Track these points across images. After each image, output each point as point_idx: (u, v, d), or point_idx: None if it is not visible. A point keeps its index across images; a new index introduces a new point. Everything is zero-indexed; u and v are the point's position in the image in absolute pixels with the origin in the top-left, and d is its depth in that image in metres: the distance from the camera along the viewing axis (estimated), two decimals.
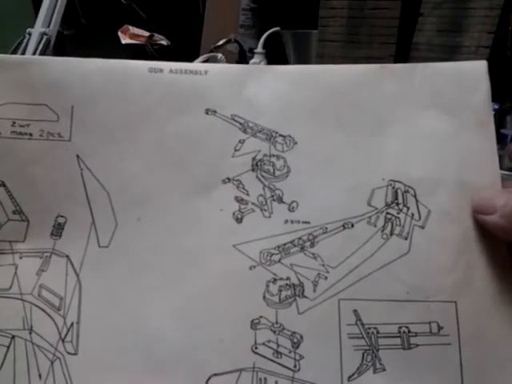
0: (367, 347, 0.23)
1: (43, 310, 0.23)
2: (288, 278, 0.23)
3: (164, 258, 0.23)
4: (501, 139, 0.54)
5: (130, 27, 0.67)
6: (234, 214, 0.24)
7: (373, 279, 0.23)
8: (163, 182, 0.24)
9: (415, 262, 0.23)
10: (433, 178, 0.24)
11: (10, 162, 0.24)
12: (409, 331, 0.23)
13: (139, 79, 0.24)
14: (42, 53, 0.51)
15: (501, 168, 0.34)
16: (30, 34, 0.52)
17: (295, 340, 0.23)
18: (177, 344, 0.22)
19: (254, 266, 0.23)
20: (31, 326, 0.23)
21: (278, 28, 0.77)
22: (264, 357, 0.22)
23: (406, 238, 0.24)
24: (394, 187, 0.24)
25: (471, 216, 0.24)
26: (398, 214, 0.24)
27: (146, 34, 0.67)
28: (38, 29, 0.52)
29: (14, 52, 0.53)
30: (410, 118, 0.25)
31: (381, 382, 0.22)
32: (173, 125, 0.24)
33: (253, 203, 0.24)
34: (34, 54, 0.51)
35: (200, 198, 0.24)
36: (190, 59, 0.74)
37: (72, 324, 0.23)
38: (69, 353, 0.23)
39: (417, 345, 0.23)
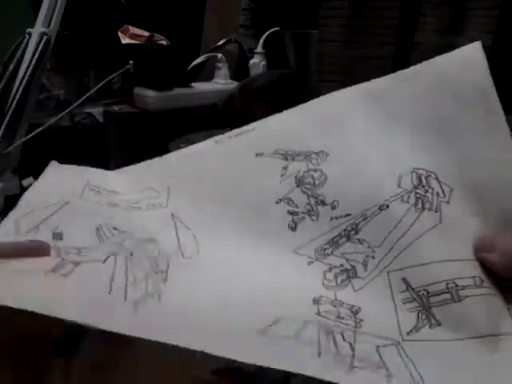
0: (420, 308, 0.25)
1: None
2: (341, 265, 0.27)
3: (239, 266, 0.28)
4: None
5: (130, 27, 0.67)
6: (288, 225, 0.29)
7: (414, 247, 0.26)
8: (231, 212, 0.30)
9: (449, 229, 0.26)
10: (450, 160, 0.27)
11: (127, 228, 0.30)
12: (456, 285, 0.25)
13: (209, 151, 0.32)
14: (42, 53, 0.51)
15: None
16: (29, 34, 0.52)
17: (354, 310, 0.25)
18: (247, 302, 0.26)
19: (312, 262, 0.27)
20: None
21: (277, 28, 0.77)
22: (327, 318, 0.25)
23: (437, 211, 0.26)
24: (417, 173, 0.27)
25: (489, 185, 0.26)
26: (425, 193, 0.27)
27: (146, 33, 0.67)
28: (38, 29, 0.52)
29: (14, 52, 0.53)
30: (422, 112, 0.28)
31: (438, 334, 0.24)
32: (233, 170, 0.31)
33: (302, 212, 0.29)
34: (34, 54, 0.51)
35: (261, 218, 0.29)
36: (190, 59, 0.74)
37: None
38: None
39: (466, 296, 0.24)
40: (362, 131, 0.29)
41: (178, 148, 0.52)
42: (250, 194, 0.30)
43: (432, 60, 0.29)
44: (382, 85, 0.30)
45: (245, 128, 0.32)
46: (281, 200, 0.29)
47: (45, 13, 0.52)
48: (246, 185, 0.30)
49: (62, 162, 0.37)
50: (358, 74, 0.65)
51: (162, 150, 0.52)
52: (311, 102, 0.31)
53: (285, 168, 0.30)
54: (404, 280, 0.25)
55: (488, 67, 0.27)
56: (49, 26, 0.52)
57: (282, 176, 0.30)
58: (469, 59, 0.28)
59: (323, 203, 0.28)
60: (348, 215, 0.28)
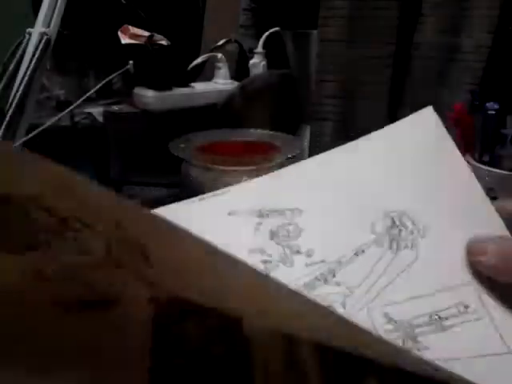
0: (405, 336, 0.25)
1: None
2: None
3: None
4: (501, 139, 0.54)
5: (130, 27, 0.67)
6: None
7: (393, 286, 0.27)
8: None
9: (426, 263, 0.27)
10: (418, 198, 0.30)
11: None
12: (439, 317, 0.25)
13: (186, 212, 0.32)
14: (42, 53, 0.51)
15: (501, 168, 0.36)
16: (30, 34, 0.52)
17: None
18: None
19: None
20: None
21: (277, 28, 0.77)
22: None
23: (413, 249, 0.28)
24: (389, 216, 0.29)
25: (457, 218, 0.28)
26: (399, 233, 0.29)
27: (146, 33, 0.67)
28: (38, 29, 0.52)
29: (14, 52, 0.53)
30: (386, 167, 0.31)
31: (428, 356, 0.24)
32: (202, 226, 0.30)
33: (276, 261, 0.29)
34: (34, 54, 0.51)
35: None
36: (190, 59, 0.74)
37: None
38: None
39: (451, 326, 0.25)
40: (332, 190, 0.32)
41: (178, 148, 0.53)
42: (222, 248, 0.31)
43: (392, 124, 0.33)
44: (345, 150, 0.33)
45: (218, 191, 0.33)
46: (254, 251, 0.29)
47: (45, 13, 0.52)
48: (216, 239, 0.31)
49: (61, 162, 0.37)
50: (358, 74, 0.65)
51: (162, 150, 0.52)
52: (283, 168, 0.34)
53: (259, 224, 0.31)
54: (386, 314, 0.26)
55: (441, 122, 0.31)
56: (49, 26, 0.52)
57: (255, 230, 0.30)
58: (425, 118, 0.32)
59: (298, 252, 0.29)
60: (323, 261, 0.28)
